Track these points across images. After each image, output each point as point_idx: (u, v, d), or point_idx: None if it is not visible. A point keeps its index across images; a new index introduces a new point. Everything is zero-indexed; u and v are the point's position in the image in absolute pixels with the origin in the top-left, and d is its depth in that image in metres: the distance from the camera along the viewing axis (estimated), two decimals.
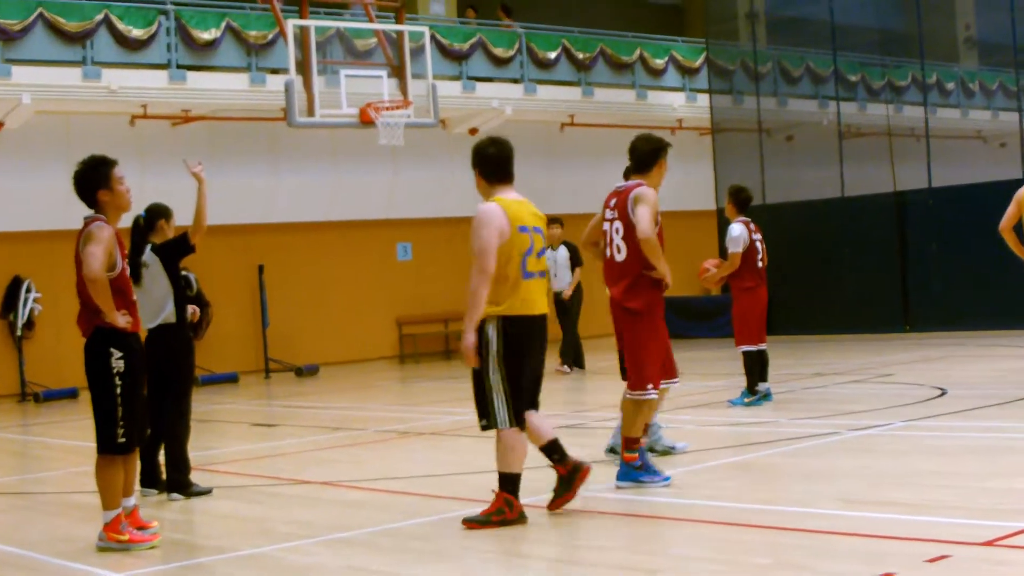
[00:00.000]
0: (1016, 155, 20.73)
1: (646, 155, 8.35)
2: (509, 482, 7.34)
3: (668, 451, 9.48)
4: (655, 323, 8.20)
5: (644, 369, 8.14)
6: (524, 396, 7.37)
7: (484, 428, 7.45)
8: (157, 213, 9.33)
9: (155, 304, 9.01)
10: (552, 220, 18.79)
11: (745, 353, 12.55)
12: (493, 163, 7.53)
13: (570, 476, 7.47)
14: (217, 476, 10.01)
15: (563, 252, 18.49)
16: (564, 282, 18.45)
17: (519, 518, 7.31)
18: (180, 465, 9.08)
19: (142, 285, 8.93)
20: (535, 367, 7.50)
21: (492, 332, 7.32)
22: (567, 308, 18.48)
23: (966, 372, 14.68)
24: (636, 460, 8.19)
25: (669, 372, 8.41)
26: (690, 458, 9.28)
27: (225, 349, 21.73)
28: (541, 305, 7.49)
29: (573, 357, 18.59)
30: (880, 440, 9.73)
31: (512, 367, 7.31)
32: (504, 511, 7.29)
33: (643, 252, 8.05)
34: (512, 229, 7.33)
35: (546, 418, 7.61)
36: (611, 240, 8.26)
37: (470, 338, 7.26)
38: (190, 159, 9.25)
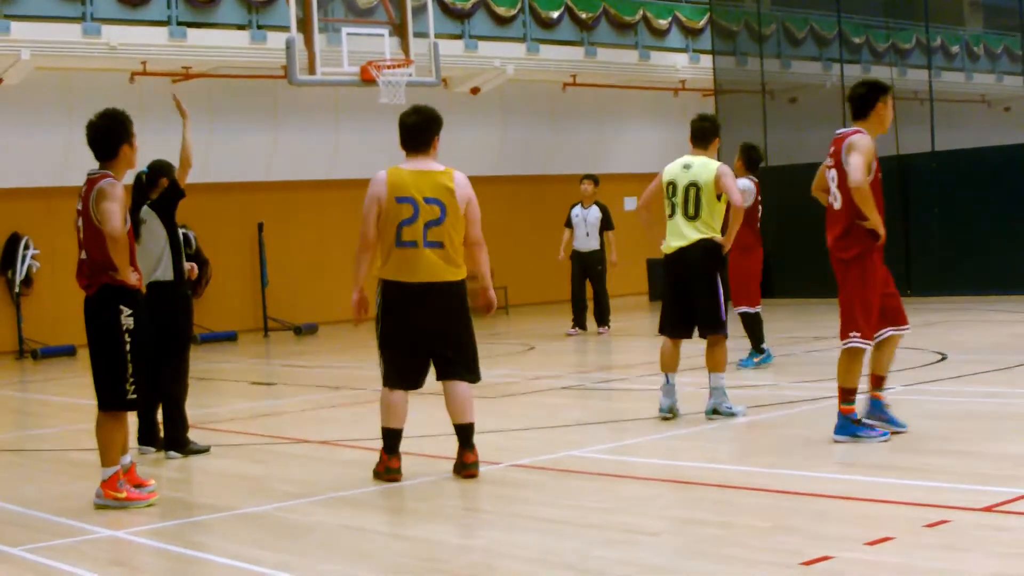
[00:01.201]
0: (1020, 119, 20.69)
1: (860, 100, 8.19)
2: (383, 437, 7.54)
3: (731, 414, 9.20)
4: (867, 273, 8.01)
5: (855, 319, 8.00)
6: (396, 359, 7.47)
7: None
8: (160, 170, 9.21)
9: (152, 259, 8.92)
10: (587, 177, 18.36)
11: (743, 315, 12.45)
12: (405, 132, 7.65)
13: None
14: (215, 434, 10.00)
15: (594, 212, 17.86)
16: (594, 242, 17.86)
17: (384, 472, 7.50)
18: (178, 423, 9.06)
19: (140, 241, 8.87)
20: (414, 334, 7.47)
21: (377, 295, 7.58)
22: (592, 270, 17.94)
23: (967, 337, 14.65)
24: (854, 413, 8.02)
25: (898, 320, 8.26)
26: (690, 421, 9.26)
27: (224, 307, 21.71)
28: (424, 274, 7.43)
29: (592, 317, 18.10)
30: None
31: (385, 329, 7.51)
32: (377, 468, 7.57)
33: (855, 201, 7.88)
34: (389, 199, 7.41)
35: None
36: (829, 188, 8.14)
37: (353, 296, 7.56)
38: (188, 115, 9.10)
